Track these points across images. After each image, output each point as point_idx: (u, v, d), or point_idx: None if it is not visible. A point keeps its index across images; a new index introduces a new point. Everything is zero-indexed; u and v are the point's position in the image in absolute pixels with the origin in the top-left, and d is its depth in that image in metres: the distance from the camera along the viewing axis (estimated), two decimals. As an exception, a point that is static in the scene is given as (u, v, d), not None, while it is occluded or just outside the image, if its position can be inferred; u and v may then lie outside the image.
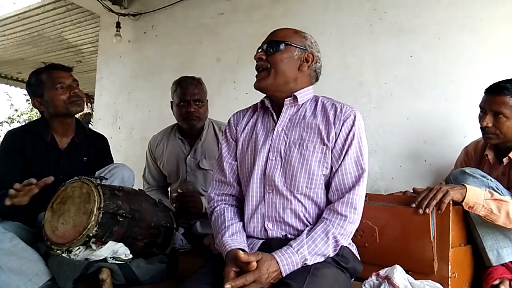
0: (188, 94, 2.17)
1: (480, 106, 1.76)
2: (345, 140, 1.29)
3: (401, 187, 2.07)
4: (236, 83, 3.14)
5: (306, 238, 1.21)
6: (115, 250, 1.46)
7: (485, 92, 1.74)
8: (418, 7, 2.44)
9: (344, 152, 1.28)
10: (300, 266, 1.17)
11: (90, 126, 5.20)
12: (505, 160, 1.73)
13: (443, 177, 1.88)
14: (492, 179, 1.58)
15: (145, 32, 3.75)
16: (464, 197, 1.47)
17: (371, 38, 2.58)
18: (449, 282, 1.44)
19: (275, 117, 1.38)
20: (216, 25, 3.29)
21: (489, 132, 1.71)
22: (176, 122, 2.36)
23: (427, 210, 1.46)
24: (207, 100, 2.29)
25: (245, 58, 3.05)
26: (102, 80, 4.06)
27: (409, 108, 2.42)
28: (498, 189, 1.55)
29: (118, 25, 3.76)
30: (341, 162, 1.28)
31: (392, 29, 2.51)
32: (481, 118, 1.73)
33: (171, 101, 2.30)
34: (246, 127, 1.44)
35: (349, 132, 1.29)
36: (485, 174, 1.59)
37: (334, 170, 1.30)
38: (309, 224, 1.29)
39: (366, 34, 2.60)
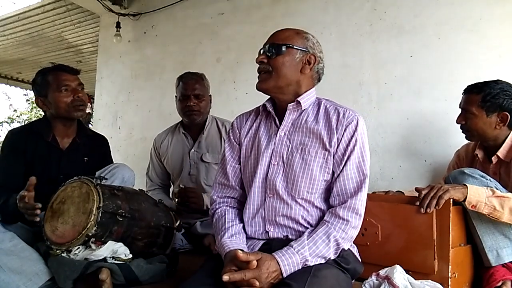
0: (189, 89, 2.21)
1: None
2: (347, 145, 1.28)
3: (401, 187, 2.07)
4: (236, 83, 3.13)
5: (307, 239, 1.21)
6: (115, 250, 1.46)
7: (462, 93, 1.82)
8: (418, 7, 2.43)
9: (346, 158, 1.28)
10: (300, 267, 1.16)
11: (90, 126, 5.20)
12: (493, 159, 1.74)
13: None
14: (492, 179, 1.58)
15: (145, 32, 3.74)
16: (466, 196, 1.47)
17: (371, 38, 2.57)
18: (449, 282, 1.44)
19: (277, 121, 1.37)
20: (216, 25, 3.28)
21: (463, 129, 1.80)
22: (180, 119, 2.39)
23: (428, 210, 1.47)
24: (210, 95, 2.32)
25: (245, 58, 3.05)
26: (102, 80, 4.06)
27: (409, 108, 2.42)
28: (497, 189, 1.54)
29: (118, 25, 3.75)
30: (343, 168, 1.28)
31: (392, 29, 2.51)
32: None
33: (175, 96, 2.33)
34: (250, 131, 1.44)
35: (351, 138, 1.28)
36: (484, 174, 1.59)
37: (335, 175, 1.29)
38: (309, 227, 1.28)
39: (366, 34, 2.59)
